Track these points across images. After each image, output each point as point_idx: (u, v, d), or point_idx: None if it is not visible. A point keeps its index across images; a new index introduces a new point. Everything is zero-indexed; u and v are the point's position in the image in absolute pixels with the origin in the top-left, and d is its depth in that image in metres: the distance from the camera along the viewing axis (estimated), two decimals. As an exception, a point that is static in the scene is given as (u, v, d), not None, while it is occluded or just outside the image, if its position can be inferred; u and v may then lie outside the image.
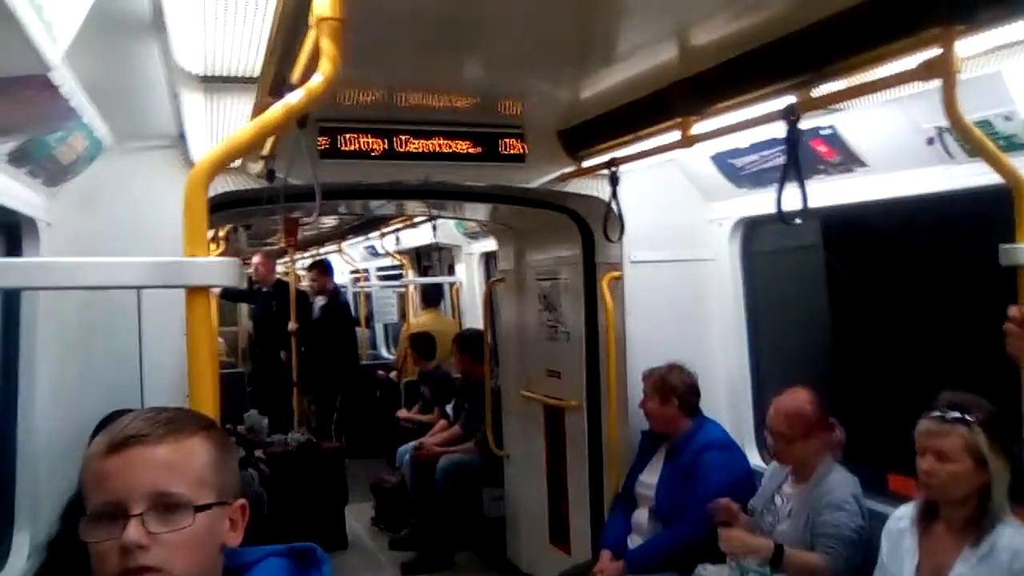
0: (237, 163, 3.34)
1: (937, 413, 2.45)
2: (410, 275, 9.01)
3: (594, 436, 4.39)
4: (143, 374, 3.07)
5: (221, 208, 3.81)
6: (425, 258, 9.63)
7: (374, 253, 10.07)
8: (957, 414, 2.43)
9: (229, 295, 9.31)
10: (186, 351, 1.43)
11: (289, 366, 7.64)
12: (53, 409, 3.08)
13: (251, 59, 2.13)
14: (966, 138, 2.05)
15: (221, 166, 1.46)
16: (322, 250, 12.10)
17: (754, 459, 3.89)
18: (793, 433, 3.12)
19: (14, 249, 3.00)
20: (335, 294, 8.18)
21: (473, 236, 7.35)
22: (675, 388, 3.72)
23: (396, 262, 9.19)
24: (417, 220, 7.18)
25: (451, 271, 8.74)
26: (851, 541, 2.91)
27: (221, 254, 6.87)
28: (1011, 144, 2.46)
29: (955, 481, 2.43)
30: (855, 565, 2.90)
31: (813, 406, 3.13)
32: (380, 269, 10.97)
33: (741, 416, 4.03)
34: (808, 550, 2.96)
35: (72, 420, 3.00)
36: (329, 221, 8.41)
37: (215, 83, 2.32)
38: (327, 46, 1.50)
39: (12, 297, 2.98)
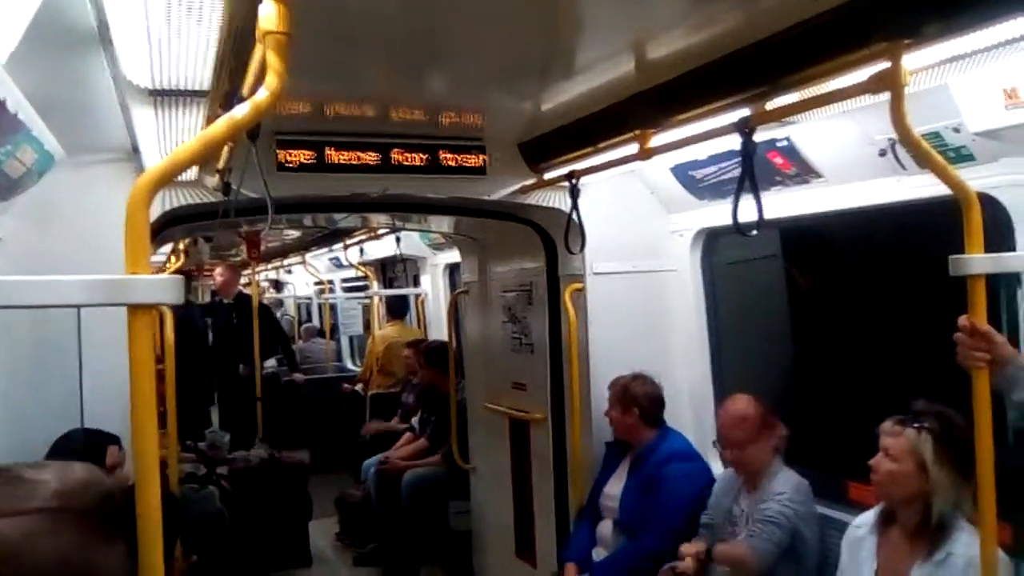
0: (193, 176, 3.30)
1: (900, 416, 2.51)
2: (375, 287, 8.95)
3: (559, 448, 4.38)
4: (83, 393, 3.01)
5: (179, 221, 3.76)
6: (390, 269, 9.59)
7: (338, 264, 10.01)
8: (913, 419, 2.49)
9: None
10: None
11: (248, 381, 7.54)
12: (2, 427, 3.00)
13: (200, 72, 2.10)
14: (914, 150, 2.08)
15: (164, 181, 1.43)
16: (286, 261, 12.02)
17: (717, 469, 3.89)
18: (743, 439, 3.19)
19: (-38, 265, 2.93)
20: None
21: (438, 248, 7.33)
22: (636, 398, 3.74)
23: (361, 273, 9.14)
24: (381, 232, 7.14)
25: (416, 282, 8.70)
26: (775, 523, 3.01)
27: (180, 267, 6.79)
28: (960, 156, 2.50)
29: (893, 479, 2.50)
30: (785, 546, 3.01)
31: (755, 409, 3.22)
32: (345, 280, 10.89)
33: (704, 426, 4.04)
34: None
35: (23, 440, 2.93)
36: (292, 232, 8.34)
37: (165, 96, 2.28)
38: (273, 60, 1.48)
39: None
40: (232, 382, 7.85)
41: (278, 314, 11.43)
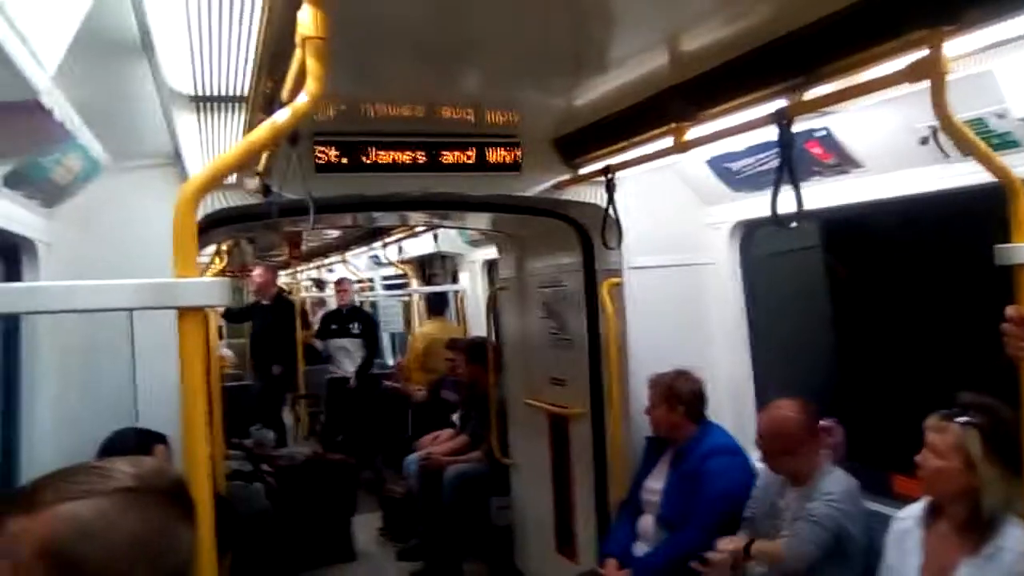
0: (233, 179, 3.35)
1: (945, 411, 2.46)
2: (414, 284, 8.99)
3: (599, 443, 4.38)
4: (137, 394, 3.09)
5: (221, 224, 3.83)
6: (429, 267, 9.64)
7: (378, 262, 10.08)
8: (959, 413, 2.44)
9: (232, 316, 9.33)
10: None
11: (281, 380, 7.63)
12: (55, 429, 3.09)
13: (240, 78, 2.14)
14: (956, 138, 2.04)
15: (209, 186, 1.47)
16: (327, 260, 12.14)
17: (759, 463, 3.87)
18: (777, 450, 3.15)
19: (14, 270, 3.02)
20: None
21: (475, 244, 7.35)
22: (682, 395, 3.71)
23: (400, 271, 9.20)
24: (419, 230, 7.19)
25: (455, 279, 8.74)
26: (819, 523, 2.95)
27: (224, 268, 6.92)
28: (1005, 142, 2.45)
29: (940, 477, 2.45)
30: (827, 547, 2.95)
31: (796, 420, 3.13)
32: (385, 278, 10.97)
33: (744, 419, 4.00)
34: None
35: (74, 440, 3.01)
36: (333, 232, 8.44)
37: (207, 102, 2.33)
38: (312, 65, 1.51)
39: (12, 319, 3.00)
40: (270, 382, 7.97)
41: (318, 315, 11.57)
